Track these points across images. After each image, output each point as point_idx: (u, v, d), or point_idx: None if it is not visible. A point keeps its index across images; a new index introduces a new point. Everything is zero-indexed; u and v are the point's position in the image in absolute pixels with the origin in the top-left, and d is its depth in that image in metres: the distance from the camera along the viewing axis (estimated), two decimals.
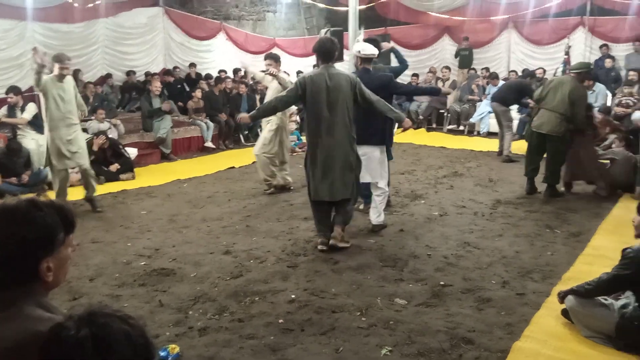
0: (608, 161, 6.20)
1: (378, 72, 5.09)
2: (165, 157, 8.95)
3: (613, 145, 6.67)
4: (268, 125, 6.52)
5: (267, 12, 13.83)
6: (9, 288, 1.26)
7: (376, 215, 5.01)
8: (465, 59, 12.18)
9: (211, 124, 9.82)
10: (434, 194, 6.30)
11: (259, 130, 10.36)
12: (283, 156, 6.59)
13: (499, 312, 3.40)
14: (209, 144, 9.69)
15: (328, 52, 4.41)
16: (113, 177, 7.39)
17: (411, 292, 3.72)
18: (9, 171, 6.74)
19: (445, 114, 11.23)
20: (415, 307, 3.49)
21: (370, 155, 4.87)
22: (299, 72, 11.19)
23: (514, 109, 9.15)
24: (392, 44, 7.25)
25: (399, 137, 9.79)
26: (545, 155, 6.09)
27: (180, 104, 10.31)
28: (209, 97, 10.10)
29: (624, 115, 8.48)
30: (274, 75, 6.00)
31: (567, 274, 3.95)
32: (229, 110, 10.12)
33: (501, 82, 10.37)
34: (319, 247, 4.50)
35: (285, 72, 11.67)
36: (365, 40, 5.38)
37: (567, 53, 7.86)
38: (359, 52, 4.92)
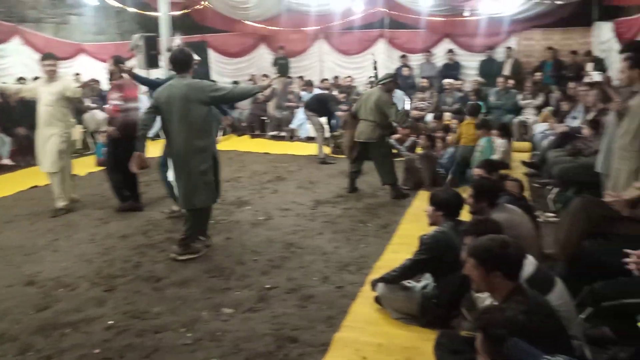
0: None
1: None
2: None
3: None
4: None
5: (71, 15, 12.68)
6: None
7: None
8: (282, 67, 12.61)
9: (7, 139, 8.66)
10: (259, 199, 6.40)
11: None
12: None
13: (320, 307, 3.58)
14: (5, 161, 8.53)
15: (180, 62, 4.37)
16: None
17: (238, 299, 3.72)
18: None
19: (267, 121, 11.50)
20: (242, 314, 3.50)
21: None
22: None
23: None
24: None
25: (224, 144, 9.77)
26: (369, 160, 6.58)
27: None
28: (3, 109, 8.89)
29: (419, 118, 9.59)
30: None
31: (378, 263, 4.32)
32: (29, 122, 9.01)
33: (316, 90, 10.97)
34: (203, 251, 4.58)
35: (94, 79, 10.86)
36: (189, 46, 5.34)
37: (375, 68, 8.84)
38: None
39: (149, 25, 11.52)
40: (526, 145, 8.52)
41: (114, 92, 5.76)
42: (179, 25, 11.33)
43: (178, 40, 10.18)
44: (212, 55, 12.64)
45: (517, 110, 9.70)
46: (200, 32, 12.67)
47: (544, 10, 10.76)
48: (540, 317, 2.07)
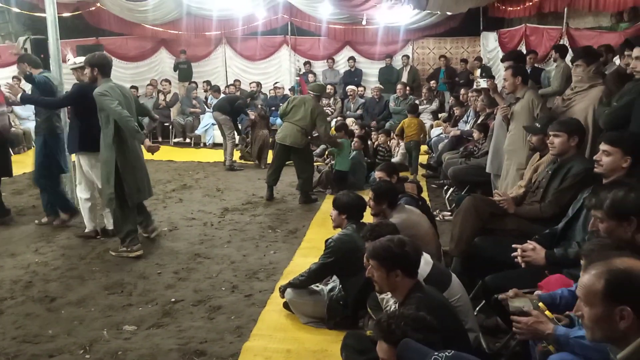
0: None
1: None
2: None
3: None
4: None
5: None
6: None
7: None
8: (184, 72, 12.29)
9: None
10: (162, 209, 6.17)
11: None
12: None
13: (229, 317, 3.52)
14: None
15: (108, 66, 4.67)
16: None
17: (141, 315, 3.56)
18: None
19: (170, 127, 11.14)
20: (145, 331, 3.36)
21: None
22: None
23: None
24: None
25: None
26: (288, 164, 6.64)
27: None
28: None
29: None
30: None
31: (288, 268, 4.34)
32: None
33: (222, 95, 10.81)
34: (139, 252, 4.60)
35: None
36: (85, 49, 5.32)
37: (298, 75, 9.05)
38: (75, 63, 5.17)
39: (38, 27, 10.71)
40: (424, 148, 8.99)
41: None
42: (71, 27, 10.67)
43: (70, 53, 9.52)
44: None
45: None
46: (95, 35, 12.02)
47: (436, 21, 11.45)
48: (439, 314, 2.19)
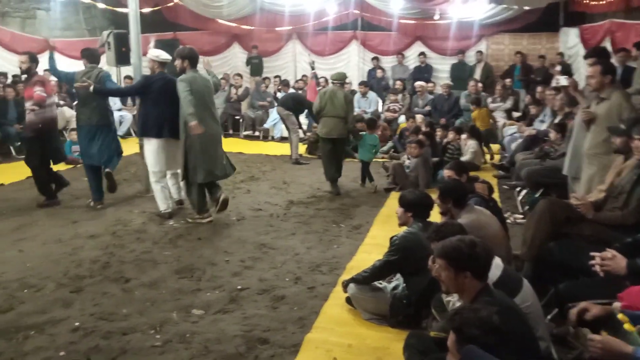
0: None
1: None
2: None
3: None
4: None
5: (38, 9, 12.34)
6: None
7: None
8: (255, 67, 12.55)
9: None
10: (231, 199, 6.31)
11: None
12: None
13: (292, 307, 3.57)
14: None
15: (195, 58, 5.28)
16: None
17: (208, 300, 3.69)
18: None
19: (241, 120, 11.43)
20: (212, 316, 3.47)
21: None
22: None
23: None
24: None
25: None
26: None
27: None
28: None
29: (392, 119, 9.69)
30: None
31: (350, 263, 4.34)
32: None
33: (291, 90, 10.95)
34: (210, 219, 5.32)
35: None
36: (162, 44, 5.67)
37: (313, 68, 9.07)
38: (157, 57, 5.46)
39: (120, 22, 11.32)
40: (496, 147, 8.69)
41: (38, 87, 5.73)
42: (150, 22, 11.16)
43: (152, 42, 10.03)
44: None
45: None
46: (172, 30, 12.51)
47: (512, 16, 11.00)
48: (509, 319, 2.11)
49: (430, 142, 7.15)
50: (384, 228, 5.09)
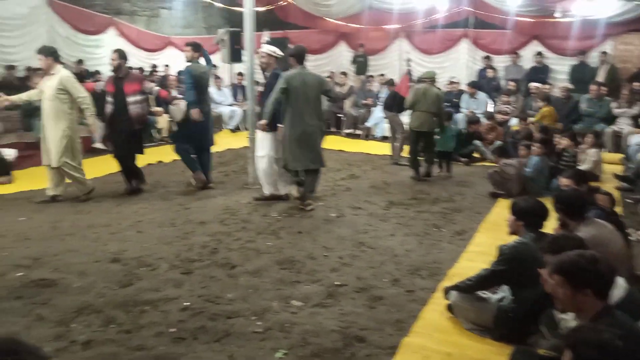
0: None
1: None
2: None
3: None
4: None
5: (162, 8, 13.33)
6: None
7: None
8: (361, 65, 12.57)
9: (100, 124, 9.22)
10: (331, 196, 6.42)
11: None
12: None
13: (389, 309, 3.53)
14: (97, 144, 9.11)
15: (302, 55, 5.60)
16: None
17: (307, 293, 3.75)
18: None
19: (343, 118, 11.51)
20: (310, 308, 3.53)
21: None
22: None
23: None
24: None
25: None
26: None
27: None
28: (99, 97, 9.47)
29: (503, 122, 9.23)
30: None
31: (452, 270, 4.19)
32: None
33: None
34: (310, 207, 5.70)
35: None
36: (272, 42, 5.94)
37: (408, 65, 8.89)
38: (274, 52, 5.81)
39: (235, 20, 11.89)
40: (619, 157, 7.97)
41: (137, 84, 6.30)
42: (263, 20, 11.60)
43: (266, 37, 10.47)
44: None
45: (611, 119, 9.09)
46: (282, 28, 12.90)
47: None
48: (633, 345, 1.91)
49: (546, 148, 6.70)
50: (490, 236, 4.86)
